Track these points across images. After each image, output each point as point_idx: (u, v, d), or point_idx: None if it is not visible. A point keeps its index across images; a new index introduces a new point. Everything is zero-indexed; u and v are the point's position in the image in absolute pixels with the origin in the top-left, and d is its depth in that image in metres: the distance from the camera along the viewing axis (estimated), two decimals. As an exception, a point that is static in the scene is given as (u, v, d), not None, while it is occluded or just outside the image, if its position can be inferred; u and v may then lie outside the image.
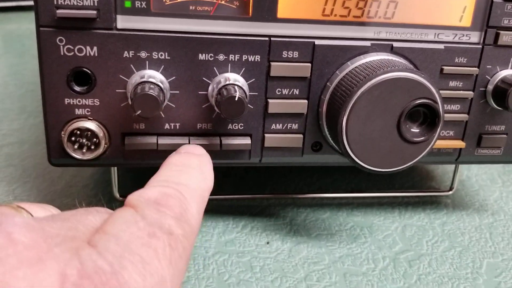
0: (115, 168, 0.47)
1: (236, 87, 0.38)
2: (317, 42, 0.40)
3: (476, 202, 0.54)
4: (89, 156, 0.39)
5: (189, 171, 0.34)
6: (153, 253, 0.26)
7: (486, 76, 0.44)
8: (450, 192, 0.55)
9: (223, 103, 0.37)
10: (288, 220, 0.49)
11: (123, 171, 0.54)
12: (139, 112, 0.35)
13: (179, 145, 0.40)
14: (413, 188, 0.56)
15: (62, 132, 0.38)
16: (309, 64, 0.40)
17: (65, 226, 0.26)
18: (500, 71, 0.44)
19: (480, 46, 0.43)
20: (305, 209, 0.51)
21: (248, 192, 0.53)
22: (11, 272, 0.22)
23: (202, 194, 0.32)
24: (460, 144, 0.45)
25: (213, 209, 0.49)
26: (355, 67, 0.40)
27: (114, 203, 0.48)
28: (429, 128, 0.39)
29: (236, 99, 0.36)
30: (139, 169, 0.54)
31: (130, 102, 0.36)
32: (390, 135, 0.38)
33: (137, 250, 0.25)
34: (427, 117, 0.39)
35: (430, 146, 0.39)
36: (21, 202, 0.30)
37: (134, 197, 0.29)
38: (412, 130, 0.39)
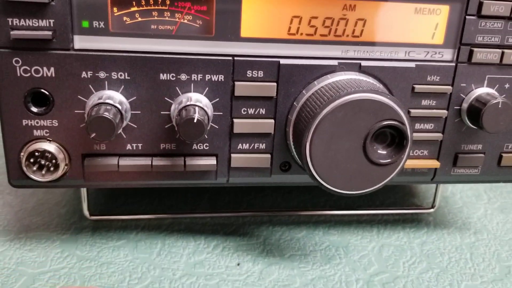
0: (84, 186, 0.46)
1: (196, 108, 0.37)
2: (282, 61, 0.39)
3: (459, 220, 0.53)
4: (48, 177, 0.38)
5: None
6: None
7: (461, 94, 0.42)
8: (432, 210, 0.53)
9: (182, 124, 0.36)
10: (262, 239, 0.48)
11: (96, 189, 0.53)
12: (93, 135, 0.35)
13: (141, 166, 0.39)
14: (395, 205, 0.55)
15: (21, 154, 0.38)
16: (275, 84, 0.39)
17: None
18: (475, 89, 0.42)
19: (454, 64, 0.41)
20: (280, 228, 0.49)
21: (223, 208, 0.52)
22: None
23: None
24: (434, 164, 0.44)
25: (186, 228, 0.48)
26: (321, 87, 0.38)
27: (84, 222, 0.48)
28: (397, 149, 0.38)
29: (195, 121, 0.36)
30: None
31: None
32: (356, 157, 0.37)
33: None
34: (395, 138, 0.38)
35: (398, 168, 0.38)
36: None
37: None
38: (379, 152, 0.38)
